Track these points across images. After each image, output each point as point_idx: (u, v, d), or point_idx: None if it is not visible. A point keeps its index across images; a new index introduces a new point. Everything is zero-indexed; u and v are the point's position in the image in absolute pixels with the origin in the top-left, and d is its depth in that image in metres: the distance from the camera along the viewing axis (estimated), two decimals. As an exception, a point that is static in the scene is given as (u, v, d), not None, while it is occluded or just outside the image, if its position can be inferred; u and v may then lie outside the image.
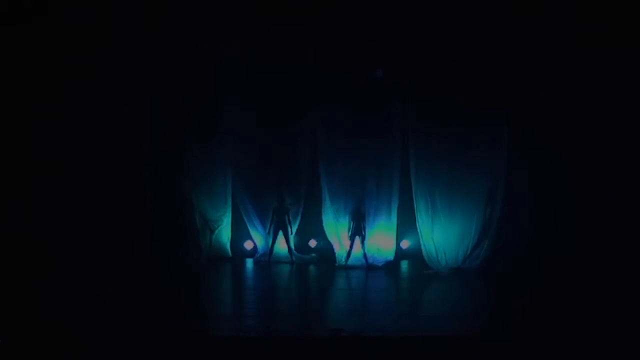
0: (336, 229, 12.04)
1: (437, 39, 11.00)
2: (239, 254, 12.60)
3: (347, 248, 11.97)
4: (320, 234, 12.32)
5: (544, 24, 10.52)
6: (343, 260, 11.98)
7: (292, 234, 12.30)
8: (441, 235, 11.58)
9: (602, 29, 10.23)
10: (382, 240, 11.99)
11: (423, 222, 11.56)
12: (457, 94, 11.18)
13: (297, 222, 12.36)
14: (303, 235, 12.53)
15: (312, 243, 12.46)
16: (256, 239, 12.57)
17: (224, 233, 12.55)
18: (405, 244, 12.27)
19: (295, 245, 12.40)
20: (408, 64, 11.35)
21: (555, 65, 10.74)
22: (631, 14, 10.09)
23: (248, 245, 12.62)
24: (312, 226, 12.34)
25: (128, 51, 10.84)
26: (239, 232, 12.59)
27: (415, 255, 11.92)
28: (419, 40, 11.07)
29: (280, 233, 12.25)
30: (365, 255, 11.89)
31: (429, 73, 11.25)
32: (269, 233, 12.32)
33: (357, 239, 11.92)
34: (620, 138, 10.53)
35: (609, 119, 10.53)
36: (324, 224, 12.10)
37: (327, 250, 12.30)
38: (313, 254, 12.47)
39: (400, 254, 12.23)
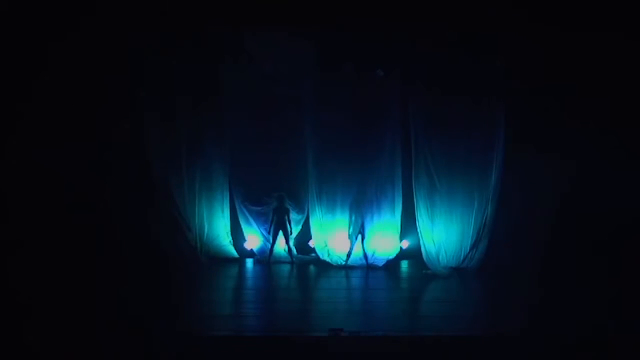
0: (327, 232, 12.02)
1: (437, 38, 11.00)
2: (239, 254, 12.59)
3: (347, 249, 11.95)
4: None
5: (542, 20, 10.51)
6: (343, 260, 11.98)
7: (291, 234, 12.30)
8: (441, 235, 11.58)
9: (603, 25, 10.23)
10: (383, 240, 11.97)
11: (423, 222, 11.55)
12: (457, 94, 11.19)
13: (300, 226, 12.38)
14: (303, 236, 12.51)
15: (312, 243, 12.45)
16: (256, 239, 12.56)
17: (224, 233, 12.54)
18: (405, 243, 12.26)
19: (295, 245, 12.40)
20: (408, 64, 11.36)
21: (555, 64, 10.74)
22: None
23: (248, 245, 12.61)
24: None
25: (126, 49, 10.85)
26: (239, 232, 12.58)
27: (415, 255, 11.90)
28: (419, 39, 11.07)
29: (280, 233, 12.26)
30: (365, 255, 11.89)
31: (429, 73, 11.25)
32: (269, 233, 12.32)
33: (357, 239, 11.92)
34: (618, 137, 10.52)
35: (609, 119, 10.52)
36: (311, 227, 12.12)
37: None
38: (313, 254, 12.44)
39: (400, 253, 12.21)
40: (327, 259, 12.03)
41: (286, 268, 12.11)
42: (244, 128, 12.12)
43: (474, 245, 11.53)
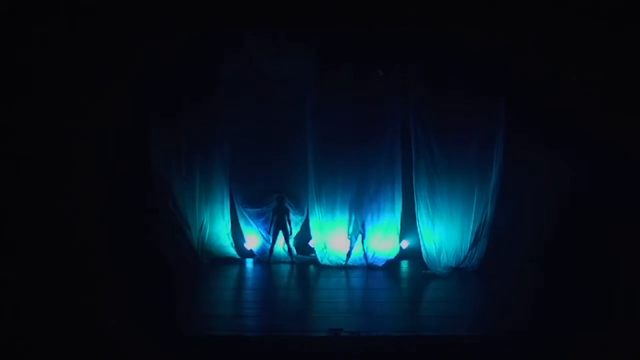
0: (327, 232, 12.00)
1: (437, 38, 10.99)
2: (239, 254, 12.58)
3: (346, 249, 11.94)
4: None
5: (544, 16, 10.50)
6: (343, 260, 11.97)
7: (291, 234, 12.29)
8: (441, 235, 11.56)
9: (602, 24, 10.21)
10: (383, 240, 11.95)
11: (423, 222, 11.53)
12: (457, 94, 11.20)
13: (299, 227, 12.37)
14: (303, 236, 12.51)
15: (312, 243, 12.44)
16: (255, 239, 12.55)
17: (224, 233, 12.53)
18: (405, 243, 12.25)
19: (295, 245, 12.40)
20: (407, 63, 11.37)
21: (555, 62, 10.74)
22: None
23: (248, 245, 12.61)
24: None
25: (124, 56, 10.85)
26: (239, 232, 12.57)
27: (415, 255, 11.89)
28: (420, 39, 11.06)
29: (280, 233, 12.25)
30: (365, 255, 11.88)
31: (428, 72, 11.25)
32: (269, 233, 12.32)
33: (357, 239, 11.91)
34: (618, 136, 10.51)
35: (609, 117, 10.51)
36: (311, 227, 12.12)
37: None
38: (313, 254, 12.44)
39: (400, 253, 12.21)
40: (327, 262, 12.03)
41: (286, 268, 12.11)
42: (244, 128, 12.12)
43: (473, 245, 11.53)
